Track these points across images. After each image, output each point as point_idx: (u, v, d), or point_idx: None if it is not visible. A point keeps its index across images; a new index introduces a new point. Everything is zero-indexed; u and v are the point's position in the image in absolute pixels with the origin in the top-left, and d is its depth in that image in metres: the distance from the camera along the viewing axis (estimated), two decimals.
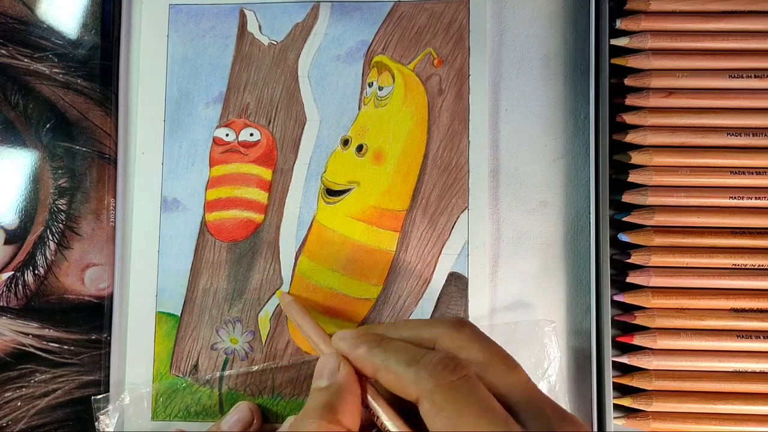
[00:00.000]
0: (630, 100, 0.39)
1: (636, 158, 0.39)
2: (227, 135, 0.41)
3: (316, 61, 0.41)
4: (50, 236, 0.41)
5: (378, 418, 0.28)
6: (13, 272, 0.41)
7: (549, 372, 0.39)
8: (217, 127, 0.41)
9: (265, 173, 0.41)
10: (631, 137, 0.39)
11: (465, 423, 0.24)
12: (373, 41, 0.41)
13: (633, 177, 0.39)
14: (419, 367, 0.26)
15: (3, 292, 0.41)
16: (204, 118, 0.41)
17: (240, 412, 0.38)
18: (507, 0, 0.42)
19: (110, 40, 0.42)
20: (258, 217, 0.41)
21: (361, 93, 0.41)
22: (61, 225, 0.41)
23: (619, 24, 0.40)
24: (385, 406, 0.28)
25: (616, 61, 0.40)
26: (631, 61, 0.40)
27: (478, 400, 0.25)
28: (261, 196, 0.41)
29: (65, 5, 0.42)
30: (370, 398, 0.29)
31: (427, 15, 0.41)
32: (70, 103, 0.41)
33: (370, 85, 0.41)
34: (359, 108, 0.41)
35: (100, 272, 0.41)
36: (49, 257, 0.41)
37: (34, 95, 0.41)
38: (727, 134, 0.39)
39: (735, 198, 0.39)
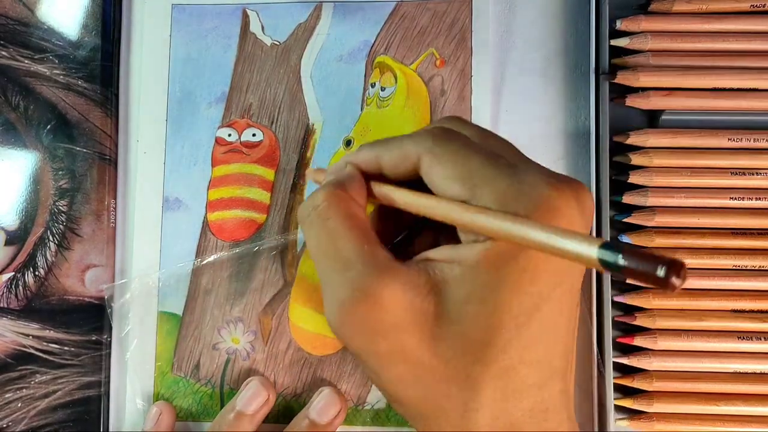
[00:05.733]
0: (630, 101, 0.40)
1: (636, 159, 0.39)
2: (230, 135, 0.41)
3: (319, 61, 0.41)
4: (51, 237, 0.41)
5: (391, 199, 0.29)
6: (13, 273, 0.41)
7: None
8: (219, 127, 0.41)
9: (268, 173, 0.41)
10: (633, 139, 0.39)
11: (461, 165, 0.26)
12: (375, 41, 0.41)
13: (633, 178, 0.39)
14: (418, 133, 0.29)
15: (3, 293, 0.40)
16: (206, 118, 0.41)
17: (252, 388, 0.38)
18: (508, 0, 0.42)
19: (111, 42, 0.42)
20: (260, 217, 0.41)
21: (364, 93, 0.41)
22: (61, 226, 0.41)
23: (620, 25, 0.40)
24: (391, 187, 0.29)
25: (617, 61, 0.40)
26: (631, 62, 0.40)
27: (472, 147, 0.27)
28: (263, 196, 0.41)
29: (66, 7, 0.42)
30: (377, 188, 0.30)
31: (429, 15, 0.41)
32: (71, 104, 0.41)
33: (373, 85, 0.41)
34: (361, 108, 0.41)
35: (100, 273, 0.41)
36: (49, 258, 0.41)
37: (34, 96, 0.41)
38: (728, 138, 0.39)
39: (736, 199, 0.39)
